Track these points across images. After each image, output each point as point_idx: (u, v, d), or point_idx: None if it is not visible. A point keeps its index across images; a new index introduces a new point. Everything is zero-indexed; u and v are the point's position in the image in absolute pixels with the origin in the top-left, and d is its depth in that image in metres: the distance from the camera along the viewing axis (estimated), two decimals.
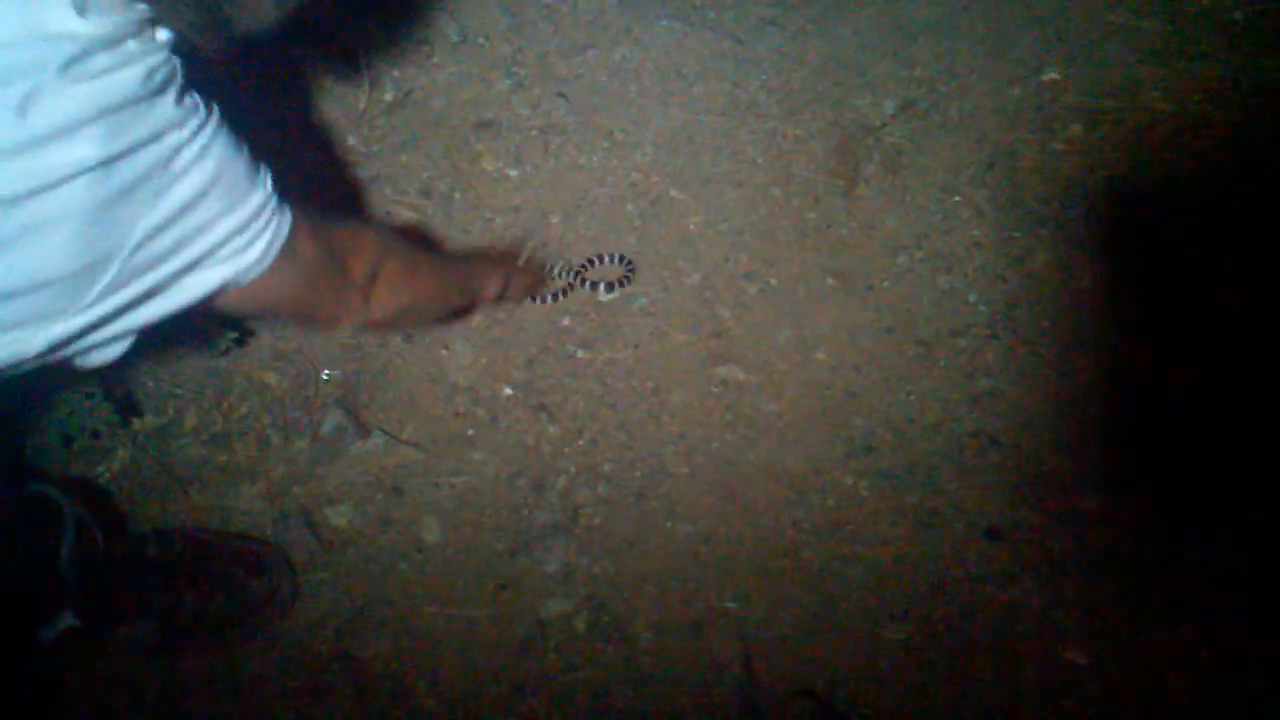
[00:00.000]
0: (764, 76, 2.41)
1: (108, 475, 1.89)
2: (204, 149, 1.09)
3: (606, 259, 2.15)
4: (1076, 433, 1.90)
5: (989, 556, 1.78)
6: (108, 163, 0.99)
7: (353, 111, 2.33)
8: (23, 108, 0.93)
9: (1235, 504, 1.81)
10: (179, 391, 1.97)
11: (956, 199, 2.19)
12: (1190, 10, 2.47)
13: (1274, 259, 2.06)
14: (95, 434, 1.90)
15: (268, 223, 1.21)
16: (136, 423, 1.93)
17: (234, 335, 1.98)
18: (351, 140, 2.29)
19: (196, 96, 1.11)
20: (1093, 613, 1.73)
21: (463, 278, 1.87)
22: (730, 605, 1.76)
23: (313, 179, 2.19)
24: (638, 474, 1.91)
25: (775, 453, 1.91)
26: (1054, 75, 2.36)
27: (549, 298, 2.09)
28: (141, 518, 1.86)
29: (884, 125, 2.30)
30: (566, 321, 2.08)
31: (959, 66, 2.39)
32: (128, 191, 1.01)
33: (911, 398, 1.96)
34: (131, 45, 1.01)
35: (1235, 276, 2.06)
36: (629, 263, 2.13)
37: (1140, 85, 2.35)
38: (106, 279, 1.03)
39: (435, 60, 2.42)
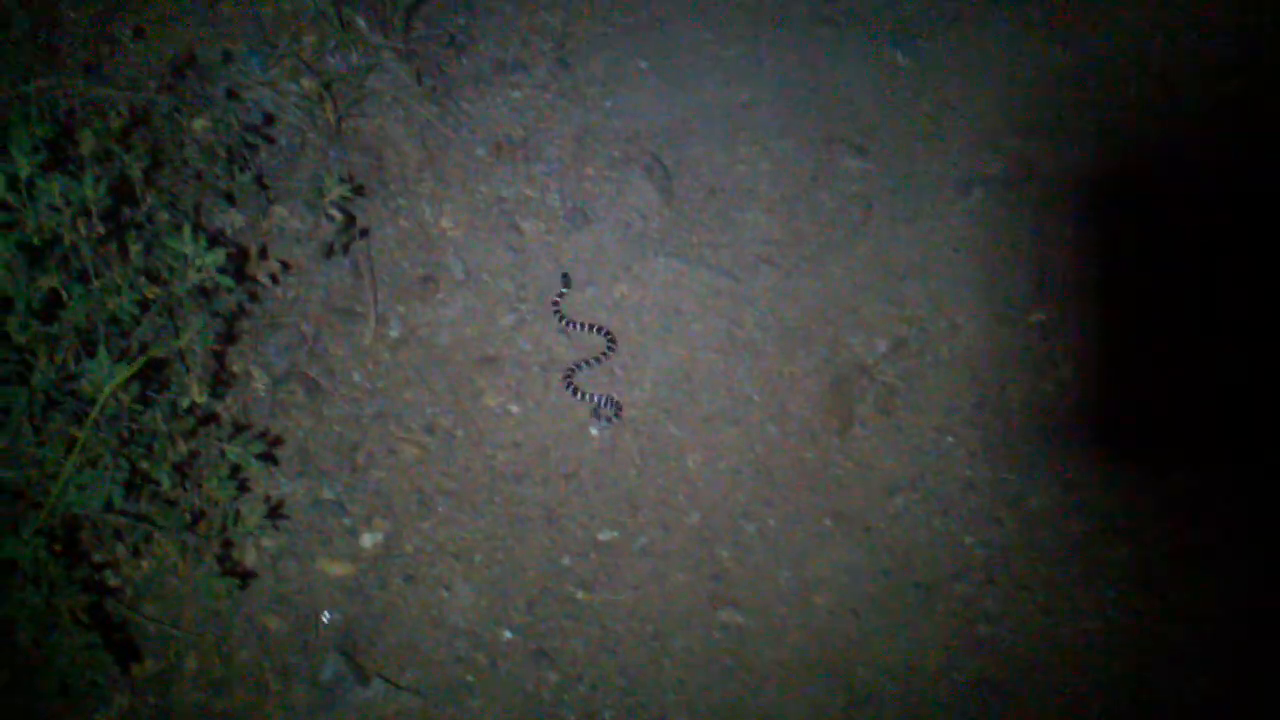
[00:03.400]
0: (759, 314, 2.47)
1: None
2: None
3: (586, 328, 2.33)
4: (1079, 683, 1.91)
5: None
6: None
7: (358, 348, 2.38)
8: None
9: None
10: (179, 635, 1.96)
11: (950, 439, 2.24)
12: None
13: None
14: (94, 682, 1.88)
15: None
16: (136, 668, 1.92)
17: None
18: (356, 376, 2.33)
19: None
20: None
21: None
22: None
23: None
24: None
25: (777, 702, 1.91)
26: (1041, 316, 2.44)
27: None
28: None
29: (877, 364, 2.36)
30: (567, 561, 2.09)
31: (949, 307, 2.46)
32: None
33: (912, 644, 1.97)
34: None
35: (1227, 505, 2.11)
36: (609, 335, 2.28)
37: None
38: None
39: (440, 297, 2.48)
